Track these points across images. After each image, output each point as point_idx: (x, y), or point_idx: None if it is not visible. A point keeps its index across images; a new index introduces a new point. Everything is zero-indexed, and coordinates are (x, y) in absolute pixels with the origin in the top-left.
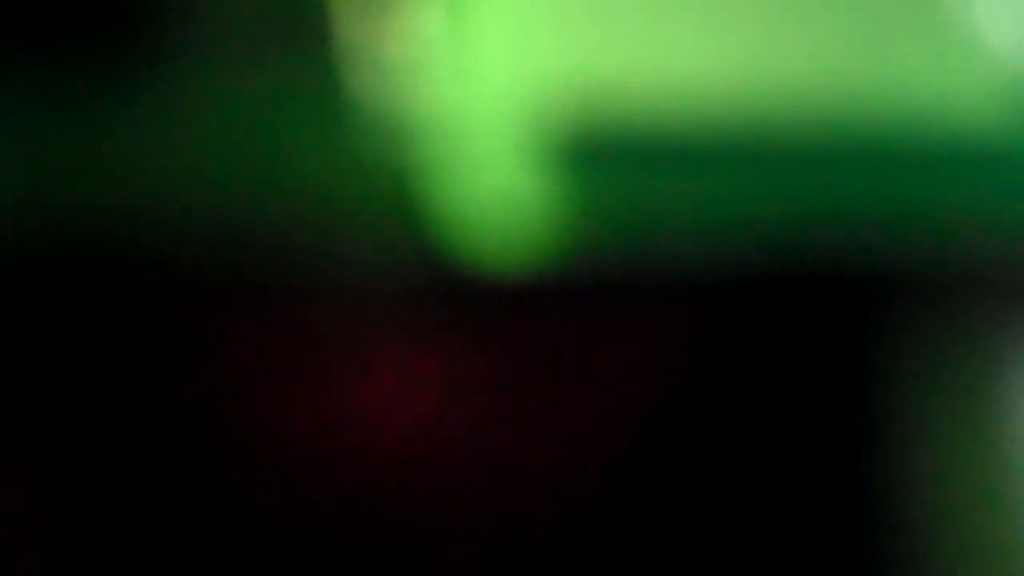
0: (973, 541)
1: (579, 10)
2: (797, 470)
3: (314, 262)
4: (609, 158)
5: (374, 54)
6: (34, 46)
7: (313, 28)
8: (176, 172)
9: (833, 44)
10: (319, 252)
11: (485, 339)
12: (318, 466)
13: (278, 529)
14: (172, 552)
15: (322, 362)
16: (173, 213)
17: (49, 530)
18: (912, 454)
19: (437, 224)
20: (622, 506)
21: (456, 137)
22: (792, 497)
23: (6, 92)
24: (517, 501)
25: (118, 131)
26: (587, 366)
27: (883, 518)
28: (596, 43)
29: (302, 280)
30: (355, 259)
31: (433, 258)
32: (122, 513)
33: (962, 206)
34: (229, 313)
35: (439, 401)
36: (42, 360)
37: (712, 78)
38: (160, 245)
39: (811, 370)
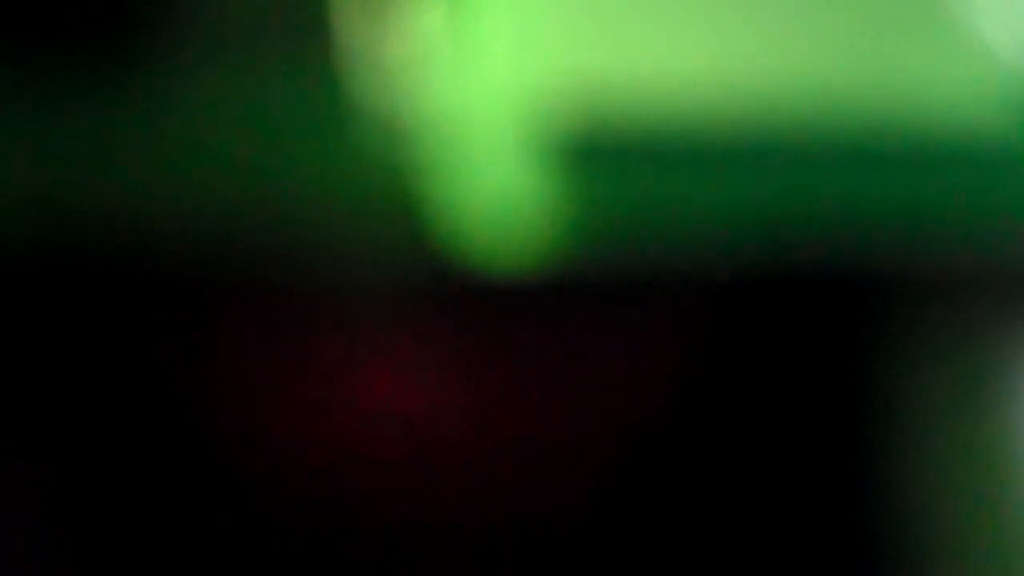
0: (973, 541)
1: (579, 10)
2: (797, 470)
3: (314, 261)
4: (609, 158)
5: (374, 54)
6: (33, 46)
7: (313, 28)
8: (175, 171)
9: (834, 44)
10: (319, 252)
11: (485, 338)
12: (316, 464)
13: (276, 528)
14: (172, 551)
15: (321, 361)
16: (172, 212)
17: (48, 531)
18: (912, 453)
19: (437, 224)
20: (622, 505)
21: (456, 137)
22: (792, 497)
23: (5, 91)
24: (518, 500)
25: (117, 130)
26: (587, 366)
27: (883, 517)
28: (597, 43)
29: (301, 279)
30: (355, 258)
31: (433, 257)
32: (121, 513)
33: (962, 206)
34: (228, 312)
35: (439, 400)
36: (42, 360)
37: (713, 78)
38: (159, 244)
39: (811, 370)
